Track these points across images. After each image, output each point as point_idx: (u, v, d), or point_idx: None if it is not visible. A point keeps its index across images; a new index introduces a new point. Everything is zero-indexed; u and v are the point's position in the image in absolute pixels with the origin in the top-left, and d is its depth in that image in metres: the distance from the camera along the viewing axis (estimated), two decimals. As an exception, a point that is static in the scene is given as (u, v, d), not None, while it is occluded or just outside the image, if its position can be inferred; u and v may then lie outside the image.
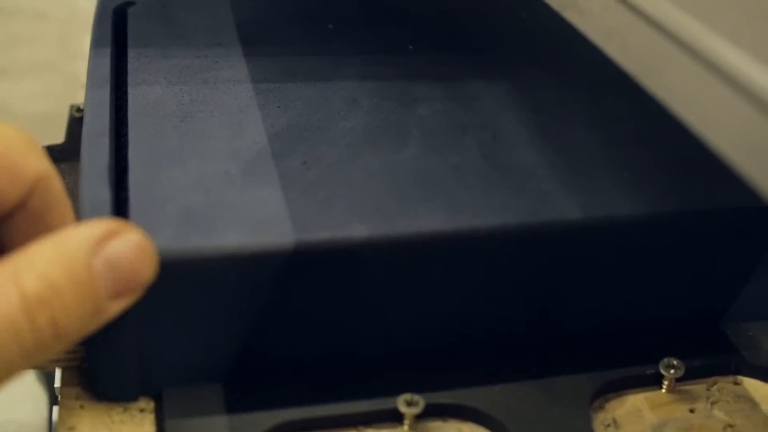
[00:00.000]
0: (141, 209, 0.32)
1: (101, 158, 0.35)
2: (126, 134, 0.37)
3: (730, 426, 0.35)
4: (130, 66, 0.43)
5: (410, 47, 0.47)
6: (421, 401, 0.33)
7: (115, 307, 0.26)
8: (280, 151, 0.36)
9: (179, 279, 0.31)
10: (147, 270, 0.27)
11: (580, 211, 0.35)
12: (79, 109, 0.51)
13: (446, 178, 0.36)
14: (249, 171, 0.35)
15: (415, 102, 0.41)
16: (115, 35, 0.47)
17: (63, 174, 0.44)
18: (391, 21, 0.50)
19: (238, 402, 0.33)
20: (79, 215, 0.32)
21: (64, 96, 1.34)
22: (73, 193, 0.43)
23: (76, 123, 0.51)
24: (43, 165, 0.27)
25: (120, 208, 0.33)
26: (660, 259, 0.37)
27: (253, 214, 0.33)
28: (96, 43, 0.45)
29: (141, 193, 0.33)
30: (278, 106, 0.40)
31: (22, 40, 1.27)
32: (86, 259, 0.25)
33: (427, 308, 0.35)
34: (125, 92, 0.41)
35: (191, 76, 0.42)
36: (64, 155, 0.48)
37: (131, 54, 0.44)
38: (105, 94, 0.40)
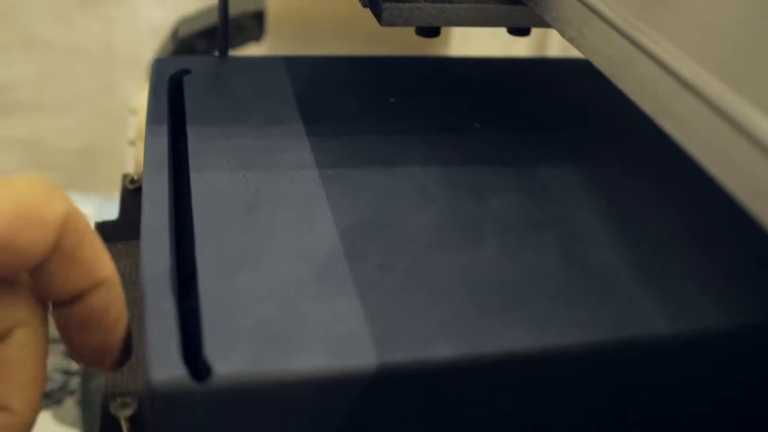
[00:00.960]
0: (214, 323, 0.31)
1: (163, 260, 0.33)
2: (190, 227, 0.36)
3: None
4: (190, 147, 0.41)
5: (477, 125, 0.46)
6: None
7: None
8: (353, 251, 0.35)
9: (253, 402, 0.29)
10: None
11: (669, 323, 0.33)
12: (132, 180, 0.50)
13: (527, 285, 0.34)
14: (323, 277, 0.33)
15: (486, 192, 0.40)
16: (171, 105, 0.46)
17: (119, 255, 0.43)
18: (454, 92, 0.49)
19: None
20: (145, 328, 0.30)
21: (99, 131, 1.33)
22: (130, 277, 0.42)
23: (130, 196, 0.49)
24: (66, 206, 0.28)
25: (189, 319, 0.32)
26: (753, 373, 0.35)
27: (331, 330, 0.31)
28: (153, 119, 0.43)
29: (213, 303, 0.32)
30: (346, 197, 0.38)
31: (57, 75, 1.27)
32: None
33: (506, 425, 0.33)
34: (187, 177, 0.39)
35: (254, 160, 0.41)
36: (119, 233, 0.46)
37: (191, 133, 0.43)
38: (164, 180, 0.38)
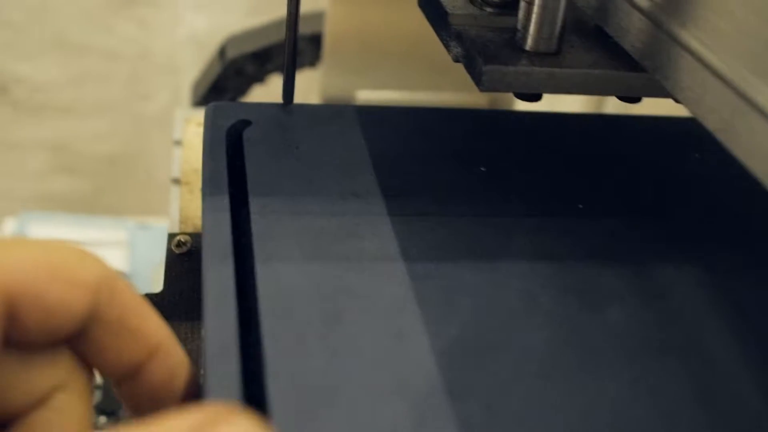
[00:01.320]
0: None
1: (231, 389, 0.27)
2: (257, 341, 0.30)
3: None
4: (254, 229, 0.35)
5: (580, 206, 0.40)
6: None
7: None
8: (456, 384, 0.29)
9: None
10: None
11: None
12: (179, 244, 0.44)
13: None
14: (421, 420, 0.27)
15: (600, 299, 0.34)
16: (231, 164, 0.40)
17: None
18: (551, 163, 0.43)
19: None
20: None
21: (130, 137, 1.28)
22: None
23: (176, 261, 0.43)
24: (102, 270, 0.26)
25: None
26: None
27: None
28: (210, 185, 0.38)
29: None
30: (443, 304, 0.32)
31: (91, 78, 1.21)
32: None
33: None
34: (251, 268, 0.33)
35: (329, 247, 0.35)
36: (165, 308, 0.40)
37: (254, 207, 0.37)
38: (228, 274, 0.32)
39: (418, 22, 0.44)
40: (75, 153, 1.26)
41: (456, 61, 0.40)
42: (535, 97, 0.40)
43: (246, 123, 0.43)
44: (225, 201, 0.36)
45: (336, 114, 0.45)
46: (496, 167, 0.41)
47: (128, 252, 0.75)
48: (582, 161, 0.43)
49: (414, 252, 0.35)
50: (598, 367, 0.31)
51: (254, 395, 0.28)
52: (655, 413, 0.29)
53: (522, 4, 0.37)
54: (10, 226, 0.75)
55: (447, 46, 0.41)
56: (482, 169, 0.41)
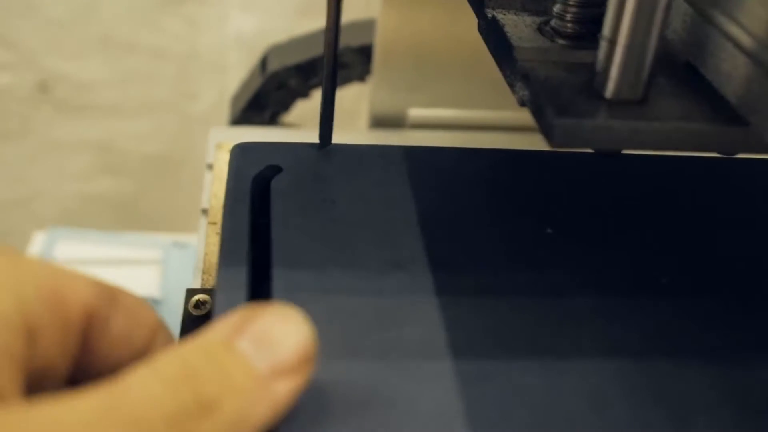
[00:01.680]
0: None
1: None
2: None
3: None
4: (276, 308, 0.30)
5: (663, 281, 0.33)
6: None
7: (283, 388, 0.23)
8: None
9: None
10: (303, 341, 0.24)
11: None
12: (198, 305, 0.38)
13: None
14: None
15: (689, 410, 0.27)
16: (254, 220, 0.35)
17: None
18: (626, 226, 0.36)
19: None
20: None
21: (176, 138, 1.23)
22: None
23: (193, 323, 0.38)
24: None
25: None
26: None
27: None
28: (227, 253, 0.32)
29: None
30: (495, 416, 0.26)
31: (137, 77, 1.17)
32: (224, 342, 0.23)
33: None
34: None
35: (366, 339, 0.29)
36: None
37: (277, 282, 0.31)
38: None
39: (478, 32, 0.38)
40: (119, 153, 1.21)
41: (521, 105, 0.34)
42: (615, 153, 0.34)
43: (276, 169, 0.37)
44: (242, 270, 0.31)
45: (380, 157, 0.39)
46: (566, 228, 0.35)
47: (161, 272, 0.70)
48: (680, 218, 0.36)
49: (462, 345, 0.29)
50: None
51: None
52: None
53: (602, 44, 0.31)
54: (38, 244, 0.71)
55: (511, 86, 0.35)
56: (548, 231, 0.35)
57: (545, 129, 0.31)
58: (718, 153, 0.33)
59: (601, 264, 0.33)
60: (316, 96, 0.70)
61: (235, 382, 0.22)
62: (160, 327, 0.27)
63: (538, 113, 0.32)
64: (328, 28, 0.37)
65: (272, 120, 0.66)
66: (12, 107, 1.18)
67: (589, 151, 0.41)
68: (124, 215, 1.24)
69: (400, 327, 0.29)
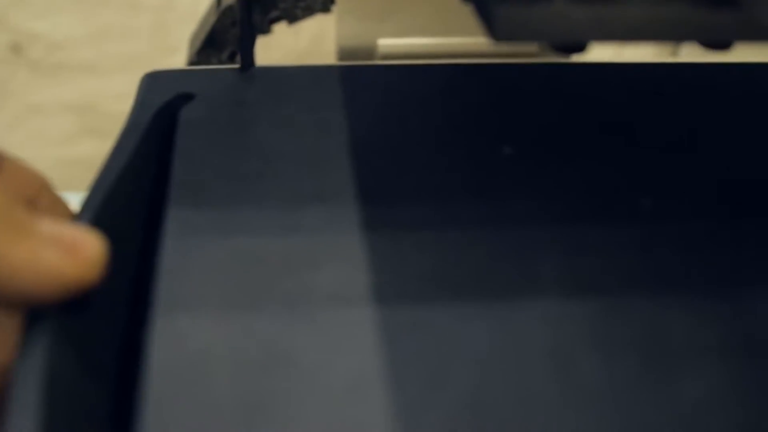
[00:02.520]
0: None
1: None
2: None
3: None
4: (164, 257, 0.24)
5: (642, 202, 0.28)
6: None
7: (51, 252, 0.22)
8: None
9: None
10: (95, 245, 0.23)
11: None
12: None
13: None
14: None
15: (668, 362, 0.22)
16: (158, 156, 0.29)
17: None
18: (598, 142, 0.31)
19: None
20: None
21: (158, 95, 1.18)
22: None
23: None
24: None
25: None
26: None
27: None
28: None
29: None
30: (428, 382, 0.21)
31: (112, 32, 1.11)
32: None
33: None
34: (145, 321, 0.22)
35: (272, 287, 0.23)
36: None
37: (171, 225, 0.26)
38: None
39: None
40: (100, 114, 1.16)
41: (465, 0, 0.28)
42: (578, 49, 0.28)
43: (188, 97, 0.32)
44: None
45: (312, 78, 0.33)
46: (526, 147, 0.30)
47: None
48: (650, 134, 0.31)
49: (392, 288, 0.23)
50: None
51: None
52: None
53: None
54: None
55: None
56: (506, 149, 0.29)
57: (487, 21, 0.25)
58: (703, 45, 0.27)
59: (568, 186, 0.28)
60: (279, 31, 0.65)
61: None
62: (44, 188, 0.27)
63: (478, 4, 0.26)
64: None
65: (231, 60, 0.61)
66: (-15, 71, 1.13)
67: (553, 61, 0.35)
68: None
69: (315, 271, 0.24)
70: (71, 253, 0.23)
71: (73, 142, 1.16)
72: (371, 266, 0.24)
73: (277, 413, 0.20)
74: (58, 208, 0.27)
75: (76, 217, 0.25)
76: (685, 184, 0.28)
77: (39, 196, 0.27)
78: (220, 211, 0.26)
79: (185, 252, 0.24)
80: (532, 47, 0.60)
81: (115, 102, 1.14)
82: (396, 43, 0.59)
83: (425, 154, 0.29)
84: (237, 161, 0.28)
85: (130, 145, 0.28)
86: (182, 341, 0.22)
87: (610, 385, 0.21)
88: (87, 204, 0.25)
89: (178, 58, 1.11)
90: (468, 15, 0.61)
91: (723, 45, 0.29)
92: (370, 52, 0.60)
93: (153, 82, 0.33)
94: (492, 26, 0.24)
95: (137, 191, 0.28)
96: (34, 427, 0.18)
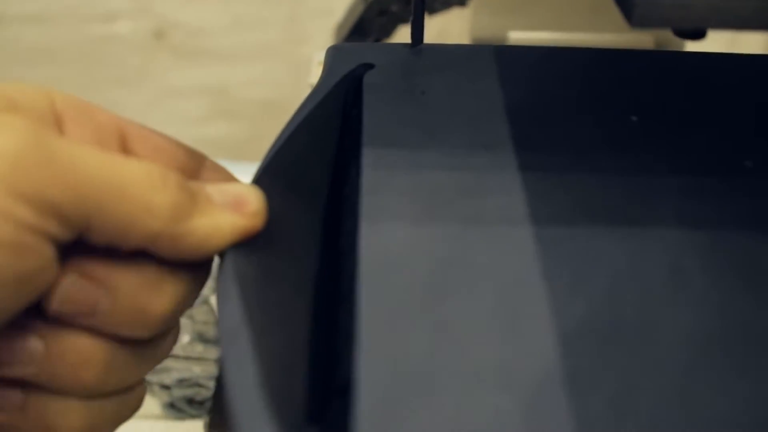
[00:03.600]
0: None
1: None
2: (351, 314, 0.26)
3: None
4: (364, 181, 0.31)
5: (747, 164, 0.34)
6: None
7: (227, 217, 0.28)
8: (576, 377, 0.24)
9: None
10: (255, 199, 0.29)
11: None
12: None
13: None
14: (531, 416, 0.23)
15: (765, 278, 0.28)
16: (347, 113, 0.36)
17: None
18: (719, 114, 0.36)
19: None
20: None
21: (286, 84, 1.26)
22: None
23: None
24: None
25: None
26: None
27: None
28: (317, 141, 0.34)
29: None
30: (572, 277, 0.28)
31: (248, 22, 1.20)
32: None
33: None
34: (354, 229, 0.29)
35: (447, 207, 0.30)
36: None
37: (366, 159, 0.33)
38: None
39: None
40: (232, 98, 1.25)
41: (605, -7, 0.35)
42: (699, 34, 0.34)
43: (369, 66, 0.39)
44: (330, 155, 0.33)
45: (470, 56, 0.40)
46: (651, 117, 0.36)
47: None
48: (758, 111, 0.36)
49: (544, 214, 0.30)
50: (760, 364, 0.25)
51: (343, 375, 0.25)
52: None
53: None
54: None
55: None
56: (633, 118, 0.36)
57: (625, 8, 0.31)
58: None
59: (685, 149, 0.34)
60: (406, 28, 0.71)
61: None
62: (204, 159, 0.32)
63: (620, -4, 0.32)
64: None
65: (374, 46, 0.68)
66: (129, 54, 1.22)
67: (680, 50, 0.41)
68: (237, 159, 1.28)
69: (482, 198, 0.31)
70: (239, 210, 0.28)
71: (206, 123, 1.26)
72: (523, 198, 0.31)
73: (452, 297, 0.27)
74: (220, 172, 0.32)
75: (268, 157, 0.32)
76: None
77: (202, 167, 0.32)
78: (404, 152, 0.33)
79: (380, 179, 0.31)
80: (648, 41, 0.66)
81: (246, 87, 1.23)
82: (526, 36, 0.65)
83: (566, 117, 0.36)
84: (414, 115, 0.35)
85: (318, 101, 0.35)
86: (383, 242, 0.29)
87: (718, 301, 0.27)
88: (277, 149, 0.32)
89: (307, 49, 1.19)
90: (589, 12, 0.67)
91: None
92: (502, 43, 0.66)
93: (337, 53, 0.39)
94: (630, 14, 0.30)
95: (325, 138, 0.35)
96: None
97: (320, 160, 0.35)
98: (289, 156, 0.33)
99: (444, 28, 0.88)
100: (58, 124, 0.28)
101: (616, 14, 0.64)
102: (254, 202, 0.29)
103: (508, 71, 0.38)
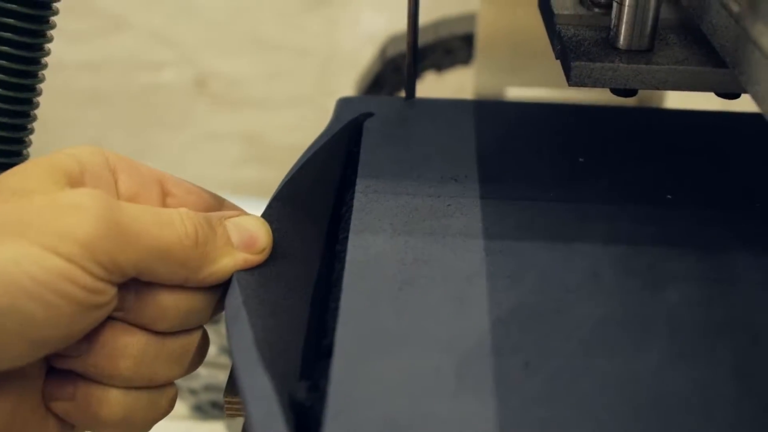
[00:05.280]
0: (338, 410, 0.29)
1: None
2: (336, 295, 0.35)
3: None
4: (356, 203, 0.40)
5: (669, 197, 0.42)
6: None
7: (241, 256, 0.36)
8: (502, 344, 0.32)
9: None
10: (264, 237, 0.37)
11: None
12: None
13: (689, 405, 0.31)
14: (463, 372, 0.31)
15: (665, 282, 0.36)
16: (348, 150, 0.45)
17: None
18: (651, 153, 0.45)
19: None
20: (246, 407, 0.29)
21: (316, 130, 1.36)
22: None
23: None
24: None
25: (313, 399, 0.30)
26: None
27: (459, 437, 0.29)
28: (322, 171, 0.42)
29: (341, 389, 0.30)
30: (509, 276, 0.36)
31: (283, 74, 1.30)
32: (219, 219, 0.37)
33: None
34: (346, 238, 0.38)
35: (419, 224, 0.39)
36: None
37: (359, 186, 0.41)
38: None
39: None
40: (266, 144, 1.34)
41: (557, 58, 0.43)
42: (630, 93, 0.43)
43: (369, 115, 0.47)
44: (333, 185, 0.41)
45: (456, 107, 0.48)
46: (596, 159, 0.44)
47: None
48: (680, 155, 0.45)
49: (495, 231, 0.38)
50: (645, 341, 0.33)
51: (328, 343, 0.33)
52: (690, 386, 0.31)
53: (614, 5, 0.40)
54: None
55: (552, 45, 0.44)
56: (580, 159, 0.44)
57: (566, 70, 0.40)
58: (717, 92, 0.41)
59: (620, 183, 0.42)
60: (426, 78, 0.80)
61: (215, 235, 0.36)
62: (224, 202, 0.41)
63: (563, 59, 0.41)
64: (409, 10, 0.47)
65: (390, 95, 0.77)
66: (173, 101, 1.33)
67: (627, 106, 0.49)
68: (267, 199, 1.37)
69: (448, 219, 0.39)
70: (251, 247, 0.36)
71: (241, 166, 1.35)
72: (480, 219, 0.39)
73: (414, 287, 0.35)
74: (236, 210, 0.40)
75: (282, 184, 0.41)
76: (700, 187, 0.42)
77: (222, 206, 0.40)
78: (390, 182, 0.41)
79: (369, 201, 0.40)
80: (631, 100, 0.74)
81: (280, 133, 1.33)
82: (522, 92, 0.74)
83: (526, 158, 0.44)
84: (401, 154, 0.44)
85: (325, 141, 0.44)
86: (367, 248, 0.37)
87: (621, 297, 0.35)
88: (289, 178, 0.41)
89: (335, 99, 1.29)
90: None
91: (732, 96, 0.43)
92: (501, 98, 0.74)
93: (344, 103, 0.48)
94: (568, 75, 0.39)
95: (331, 170, 0.44)
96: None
97: (326, 187, 0.43)
98: (300, 184, 0.41)
99: (462, 86, 0.96)
100: (114, 176, 0.37)
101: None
102: (263, 239, 0.37)
103: (484, 121, 0.47)
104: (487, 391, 0.30)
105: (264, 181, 1.41)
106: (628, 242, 0.38)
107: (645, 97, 0.74)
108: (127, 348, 0.35)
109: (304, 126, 1.34)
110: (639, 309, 0.35)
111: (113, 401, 0.35)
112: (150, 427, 0.37)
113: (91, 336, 0.34)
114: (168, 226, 0.34)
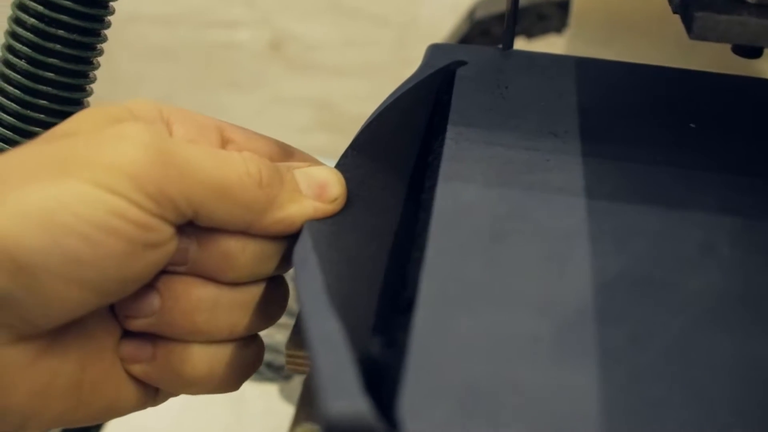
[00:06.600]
0: (417, 371, 0.26)
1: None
2: (422, 244, 0.31)
3: None
4: (445, 150, 0.36)
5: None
6: None
7: (310, 204, 0.33)
8: (607, 313, 0.29)
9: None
10: (336, 186, 0.34)
11: None
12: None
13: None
14: (562, 339, 0.27)
15: None
16: (438, 99, 0.41)
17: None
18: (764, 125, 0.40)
19: None
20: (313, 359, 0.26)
21: (389, 102, 1.32)
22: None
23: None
24: None
25: (391, 356, 0.27)
26: None
27: (551, 411, 0.25)
28: (411, 112, 0.39)
29: (423, 347, 0.27)
30: (614, 239, 0.32)
31: (359, 41, 1.27)
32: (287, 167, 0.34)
33: None
34: (433, 186, 0.34)
35: (514, 176, 0.35)
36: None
37: (450, 133, 0.37)
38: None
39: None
40: (337, 112, 1.32)
41: (675, 12, 0.39)
42: (755, 53, 0.39)
43: (463, 63, 0.44)
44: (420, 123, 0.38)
45: (555, 62, 0.44)
46: (708, 126, 0.40)
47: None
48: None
49: (598, 190, 0.34)
50: (765, 321, 0.29)
51: (408, 297, 0.29)
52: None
53: (748, -48, 0.36)
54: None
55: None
56: (692, 125, 0.40)
57: (687, 22, 0.36)
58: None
59: (731, 151, 0.38)
60: (517, 43, 0.76)
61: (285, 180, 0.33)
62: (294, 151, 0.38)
63: (684, 13, 0.37)
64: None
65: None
66: (246, 61, 1.30)
67: (738, 75, 0.45)
68: (334, 168, 1.35)
69: (546, 173, 0.35)
70: (322, 196, 0.33)
71: (309, 133, 1.32)
72: (581, 176, 0.35)
73: (507, 242, 0.31)
74: (308, 160, 0.37)
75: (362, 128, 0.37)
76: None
77: (291, 156, 0.37)
78: (483, 131, 0.38)
79: (460, 150, 0.36)
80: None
81: (350, 103, 1.29)
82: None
83: (631, 118, 0.40)
84: (495, 104, 0.40)
85: (412, 86, 0.40)
86: (457, 197, 0.33)
87: (738, 274, 0.31)
88: (370, 121, 0.37)
89: (411, 70, 1.24)
90: (675, 46, 0.71)
91: None
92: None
93: (436, 50, 0.45)
94: (690, 27, 0.35)
95: (416, 116, 0.40)
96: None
97: (410, 134, 0.40)
98: (380, 130, 0.38)
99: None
100: (168, 127, 0.34)
101: (700, 52, 0.68)
102: (335, 188, 0.34)
103: (586, 77, 0.43)
104: (585, 364, 0.27)
105: (331, 149, 1.38)
106: (745, 214, 0.34)
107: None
108: (201, 301, 0.32)
109: (377, 96, 1.30)
110: (758, 288, 0.31)
111: (196, 357, 0.33)
112: (238, 385, 0.35)
113: (163, 293, 0.32)
114: (227, 163, 0.31)
